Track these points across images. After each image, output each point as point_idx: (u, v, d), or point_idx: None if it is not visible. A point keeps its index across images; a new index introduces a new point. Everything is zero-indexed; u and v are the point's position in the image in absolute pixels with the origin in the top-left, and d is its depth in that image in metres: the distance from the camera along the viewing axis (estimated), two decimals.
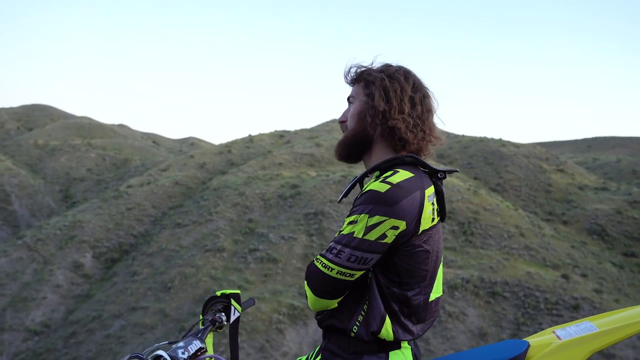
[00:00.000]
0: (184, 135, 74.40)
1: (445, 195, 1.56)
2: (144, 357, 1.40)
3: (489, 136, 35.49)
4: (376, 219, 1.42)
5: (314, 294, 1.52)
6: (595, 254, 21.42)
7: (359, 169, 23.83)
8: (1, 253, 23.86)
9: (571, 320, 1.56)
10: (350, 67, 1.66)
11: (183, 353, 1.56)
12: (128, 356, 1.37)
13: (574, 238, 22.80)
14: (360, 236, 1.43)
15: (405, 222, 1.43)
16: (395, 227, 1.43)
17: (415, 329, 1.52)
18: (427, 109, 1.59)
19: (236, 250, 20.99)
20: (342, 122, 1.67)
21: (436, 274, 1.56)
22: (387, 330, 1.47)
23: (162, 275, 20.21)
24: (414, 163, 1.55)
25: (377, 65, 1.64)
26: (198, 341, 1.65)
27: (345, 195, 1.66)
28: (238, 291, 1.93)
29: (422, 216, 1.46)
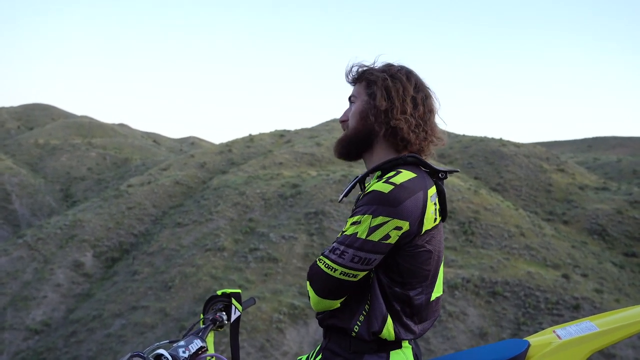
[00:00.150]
0: (184, 135, 74.46)
1: (446, 195, 1.56)
2: (145, 355, 1.40)
3: (490, 136, 35.48)
4: (380, 219, 1.42)
5: (317, 294, 1.51)
6: (596, 253, 21.41)
7: (359, 168, 23.83)
8: (2, 252, 23.87)
9: (572, 320, 1.55)
10: (352, 67, 1.65)
11: (184, 352, 1.56)
12: (129, 355, 1.37)
13: (574, 238, 22.79)
14: (363, 237, 1.43)
15: (408, 223, 1.43)
16: (398, 228, 1.43)
17: (416, 328, 1.52)
18: (429, 109, 1.59)
19: (237, 250, 20.99)
20: (343, 121, 1.67)
21: (438, 273, 1.56)
22: (389, 330, 1.48)
23: (163, 274, 20.21)
24: (416, 163, 1.55)
25: (379, 64, 1.63)
26: (199, 340, 1.65)
27: (346, 194, 1.66)
28: (239, 290, 1.94)
29: (425, 216, 1.46)
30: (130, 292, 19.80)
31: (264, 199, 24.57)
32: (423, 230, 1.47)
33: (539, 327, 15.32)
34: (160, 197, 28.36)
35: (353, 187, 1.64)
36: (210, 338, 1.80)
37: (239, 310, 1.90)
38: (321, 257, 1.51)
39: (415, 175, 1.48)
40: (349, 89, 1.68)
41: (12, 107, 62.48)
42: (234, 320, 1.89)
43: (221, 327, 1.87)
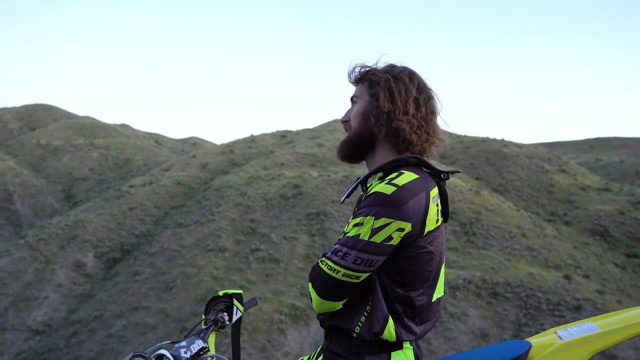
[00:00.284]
0: (186, 135, 74.47)
1: (448, 196, 1.56)
2: (147, 356, 1.40)
3: (491, 136, 35.45)
4: (382, 221, 1.42)
5: (319, 296, 1.51)
6: (598, 254, 21.37)
7: (361, 169, 23.82)
8: (3, 252, 23.90)
9: (573, 321, 1.55)
10: (355, 67, 1.65)
11: (185, 352, 1.57)
12: (131, 355, 1.37)
13: (576, 239, 22.75)
14: (366, 238, 1.43)
15: (411, 224, 1.43)
16: (401, 229, 1.43)
17: (418, 329, 1.52)
18: (431, 110, 1.59)
19: (238, 250, 21.00)
20: (345, 121, 1.67)
21: (439, 274, 1.56)
22: (390, 331, 1.48)
23: (164, 275, 20.22)
24: (418, 164, 1.55)
25: (381, 65, 1.63)
26: (200, 341, 1.65)
27: (348, 196, 1.66)
28: (240, 291, 1.94)
29: (427, 218, 1.46)
30: (131, 293, 19.82)
31: (266, 200, 24.58)
32: (425, 232, 1.47)
33: (540, 328, 15.30)
34: (162, 198, 28.38)
35: (355, 188, 1.64)
36: (212, 339, 1.81)
37: (240, 311, 1.90)
38: (323, 258, 1.51)
39: (418, 176, 1.48)
40: (351, 90, 1.68)
41: (14, 108, 62.60)
42: (236, 321, 1.89)
43: (223, 327, 1.87)
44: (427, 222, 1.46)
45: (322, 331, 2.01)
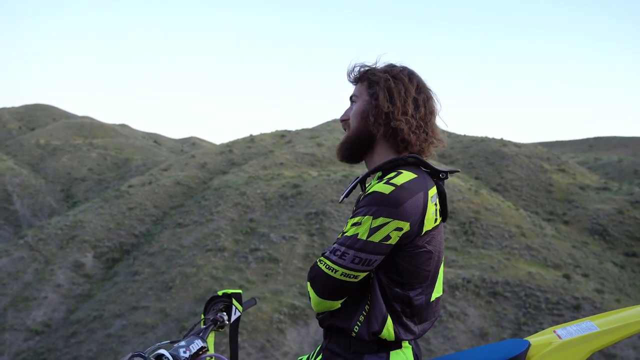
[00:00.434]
0: (185, 135, 74.39)
1: (446, 196, 1.56)
2: (146, 355, 1.40)
3: (490, 136, 35.47)
4: (380, 220, 1.42)
5: (317, 295, 1.51)
6: (597, 254, 21.39)
7: (360, 169, 23.82)
8: (2, 253, 23.88)
9: (572, 320, 1.55)
10: (354, 66, 1.65)
11: (185, 352, 1.57)
12: (130, 355, 1.37)
13: (575, 238, 22.77)
14: (364, 238, 1.43)
15: (409, 224, 1.43)
16: (399, 229, 1.43)
17: (416, 329, 1.52)
18: (430, 110, 1.59)
19: (237, 250, 20.99)
20: (343, 120, 1.67)
21: (438, 274, 1.56)
22: (389, 330, 1.48)
23: (163, 274, 20.22)
24: (417, 164, 1.55)
25: (381, 65, 1.63)
26: (200, 340, 1.65)
27: (347, 195, 1.66)
28: (240, 291, 1.94)
29: (426, 217, 1.46)
30: (130, 293, 19.81)
31: (265, 199, 24.58)
32: (423, 231, 1.47)
33: (539, 327, 15.31)
34: (161, 198, 28.37)
35: (354, 187, 1.64)
36: (211, 338, 1.81)
37: (239, 311, 1.90)
38: (322, 258, 1.51)
39: (416, 176, 1.48)
40: (350, 89, 1.68)
41: (13, 108, 62.54)
42: (234, 321, 1.89)
43: (222, 327, 1.87)
44: (425, 221, 1.46)
45: (321, 331, 2.01)
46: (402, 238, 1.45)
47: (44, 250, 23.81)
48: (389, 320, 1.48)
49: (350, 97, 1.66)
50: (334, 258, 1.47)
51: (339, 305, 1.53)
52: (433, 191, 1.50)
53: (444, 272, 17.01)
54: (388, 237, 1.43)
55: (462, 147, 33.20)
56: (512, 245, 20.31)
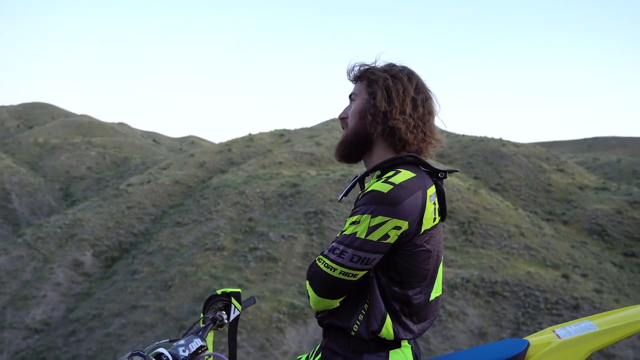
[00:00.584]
0: (184, 134, 74.44)
1: (445, 195, 1.56)
2: (145, 354, 1.40)
3: (489, 136, 35.50)
4: (379, 219, 1.42)
5: (316, 294, 1.51)
6: (596, 253, 21.41)
7: (359, 168, 23.80)
8: (1, 251, 23.87)
9: (571, 320, 1.56)
10: (354, 65, 1.65)
11: (184, 351, 1.57)
12: (129, 353, 1.37)
13: (574, 238, 22.79)
14: (363, 236, 1.43)
15: (407, 222, 1.43)
16: (397, 227, 1.43)
17: (415, 328, 1.52)
18: (428, 110, 1.59)
19: (236, 249, 21.00)
20: (342, 118, 1.67)
21: (437, 273, 1.56)
22: (388, 329, 1.48)
23: (162, 273, 20.22)
24: (415, 163, 1.55)
25: (380, 64, 1.64)
26: (199, 339, 1.65)
27: (346, 194, 1.66)
28: (239, 290, 1.94)
29: (424, 216, 1.46)
30: (129, 292, 19.81)
31: (264, 199, 24.58)
32: (422, 230, 1.47)
33: (538, 327, 15.33)
34: (160, 197, 28.36)
35: (352, 186, 1.64)
36: (210, 337, 1.81)
37: (238, 310, 1.90)
38: (320, 256, 1.51)
39: (415, 174, 1.48)
40: (349, 88, 1.68)
41: (11, 106, 62.47)
42: (233, 320, 1.89)
43: (221, 326, 1.87)
44: (424, 220, 1.46)
45: (320, 330, 2.01)
46: (400, 237, 1.45)
47: (43, 248, 23.80)
48: (388, 319, 1.48)
49: (350, 96, 1.67)
50: (332, 257, 1.47)
51: (338, 304, 1.53)
52: (432, 190, 1.50)
53: (443, 272, 17.03)
54: (386, 236, 1.43)
55: (461, 147, 33.21)
56: (511, 245, 20.33)
